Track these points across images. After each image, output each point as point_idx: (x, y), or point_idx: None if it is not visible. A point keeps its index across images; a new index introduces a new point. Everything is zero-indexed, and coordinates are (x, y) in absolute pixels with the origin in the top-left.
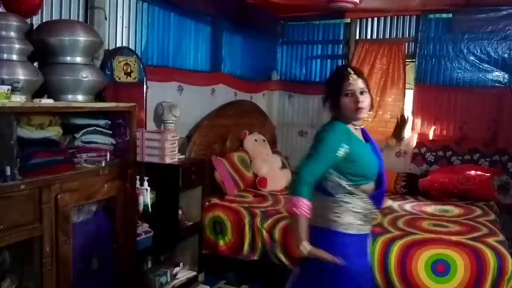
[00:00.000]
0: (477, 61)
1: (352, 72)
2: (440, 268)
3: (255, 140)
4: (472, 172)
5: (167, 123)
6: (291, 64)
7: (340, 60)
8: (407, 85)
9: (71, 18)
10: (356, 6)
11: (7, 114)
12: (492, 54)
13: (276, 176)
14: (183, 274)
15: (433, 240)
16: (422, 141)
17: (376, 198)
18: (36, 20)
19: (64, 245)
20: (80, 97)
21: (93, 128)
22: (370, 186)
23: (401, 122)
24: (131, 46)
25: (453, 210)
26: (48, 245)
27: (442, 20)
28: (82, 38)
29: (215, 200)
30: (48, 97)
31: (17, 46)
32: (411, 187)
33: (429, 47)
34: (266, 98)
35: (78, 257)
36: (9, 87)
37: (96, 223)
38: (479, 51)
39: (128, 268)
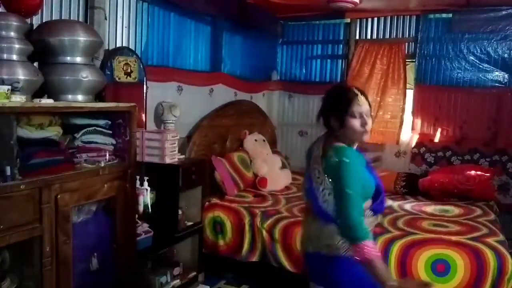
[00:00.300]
0: (477, 61)
1: (360, 94)
2: (440, 268)
3: (255, 140)
4: (472, 172)
5: (167, 123)
6: (291, 64)
7: (340, 60)
8: (407, 85)
9: (71, 18)
10: (356, 6)
11: (7, 114)
12: (492, 54)
13: (276, 176)
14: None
15: (433, 240)
16: (422, 141)
17: (378, 206)
18: (36, 20)
19: (64, 245)
20: (80, 97)
21: (93, 128)
22: (368, 202)
23: None
24: (131, 46)
25: (453, 210)
26: (48, 245)
27: (442, 20)
28: (82, 38)
29: (215, 200)
30: (48, 97)
31: (17, 46)
32: (411, 187)
33: (429, 47)
34: (266, 98)
35: (78, 257)
36: (9, 87)
37: (96, 223)
38: (479, 51)
39: (128, 268)
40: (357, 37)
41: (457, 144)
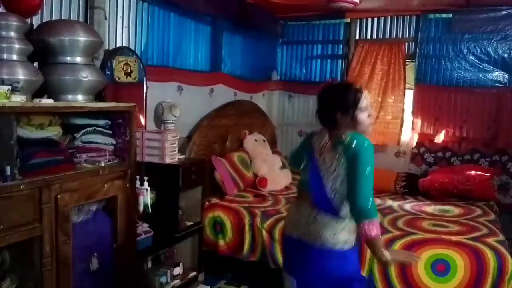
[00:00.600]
0: (477, 61)
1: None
2: (440, 268)
3: (255, 140)
4: (472, 172)
5: (167, 123)
6: (291, 64)
7: (340, 60)
8: (406, 85)
9: (71, 18)
10: (356, 6)
11: (7, 114)
12: (492, 54)
13: (276, 176)
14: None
15: (433, 240)
16: (422, 141)
17: None
18: (36, 20)
19: (64, 245)
20: (80, 97)
21: (93, 128)
22: None
23: None
24: (131, 46)
25: (453, 210)
26: (48, 245)
27: (442, 20)
28: (82, 38)
29: (215, 200)
30: (48, 97)
31: (17, 46)
32: (411, 187)
33: (429, 47)
34: (266, 98)
35: (78, 257)
36: (9, 87)
37: (96, 223)
38: (479, 51)
39: (128, 268)
40: (357, 37)
41: (457, 144)
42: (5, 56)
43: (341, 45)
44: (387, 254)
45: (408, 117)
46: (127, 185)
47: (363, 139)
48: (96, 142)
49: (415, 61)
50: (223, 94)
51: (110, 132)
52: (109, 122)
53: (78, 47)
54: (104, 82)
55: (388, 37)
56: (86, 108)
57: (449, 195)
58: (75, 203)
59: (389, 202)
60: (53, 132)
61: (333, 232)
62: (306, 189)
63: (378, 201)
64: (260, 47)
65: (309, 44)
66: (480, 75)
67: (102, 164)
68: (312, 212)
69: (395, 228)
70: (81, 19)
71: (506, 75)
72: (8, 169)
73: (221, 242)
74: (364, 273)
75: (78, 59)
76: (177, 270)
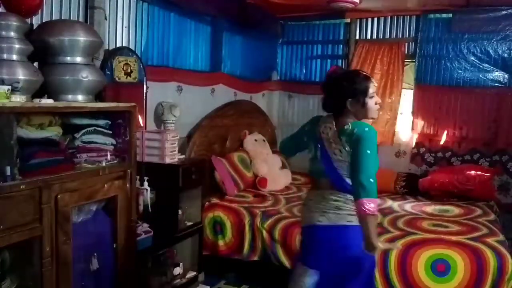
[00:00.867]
0: (477, 61)
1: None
2: (440, 268)
3: (255, 140)
4: (472, 172)
5: (167, 123)
6: (291, 64)
7: (340, 60)
8: (406, 85)
9: (71, 18)
10: (356, 6)
11: (7, 114)
12: (492, 54)
13: (276, 176)
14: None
15: (433, 240)
16: (422, 141)
17: None
18: (36, 20)
19: (64, 245)
20: (80, 97)
21: (93, 128)
22: None
23: None
24: (131, 46)
25: (453, 210)
26: (48, 245)
27: (442, 20)
28: (82, 38)
29: (215, 200)
30: (48, 97)
31: (17, 46)
32: (411, 187)
33: (429, 47)
34: (266, 98)
35: (78, 257)
36: (9, 87)
37: (96, 223)
38: (479, 51)
39: (128, 268)
40: (357, 37)
41: (457, 144)
42: (5, 56)
43: (341, 45)
44: (379, 241)
45: (404, 117)
46: (127, 185)
47: (364, 125)
48: (96, 142)
49: (415, 61)
50: (223, 94)
51: (110, 132)
52: (109, 122)
53: (78, 47)
54: (104, 82)
55: (388, 37)
56: (86, 108)
57: (449, 195)
58: (75, 203)
59: (389, 202)
60: (53, 132)
61: (352, 207)
62: (322, 176)
63: (378, 201)
64: (260, 47)
65: (309, 44)
66: (480, 75)
67: (103, 164)
68: (331, 194)
69: (395, 228)
70: (81, 19)
71: (506, 75)
72: (8, 169)
73: (221, 242)
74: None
75: (78, 59)
76: (177, 270)
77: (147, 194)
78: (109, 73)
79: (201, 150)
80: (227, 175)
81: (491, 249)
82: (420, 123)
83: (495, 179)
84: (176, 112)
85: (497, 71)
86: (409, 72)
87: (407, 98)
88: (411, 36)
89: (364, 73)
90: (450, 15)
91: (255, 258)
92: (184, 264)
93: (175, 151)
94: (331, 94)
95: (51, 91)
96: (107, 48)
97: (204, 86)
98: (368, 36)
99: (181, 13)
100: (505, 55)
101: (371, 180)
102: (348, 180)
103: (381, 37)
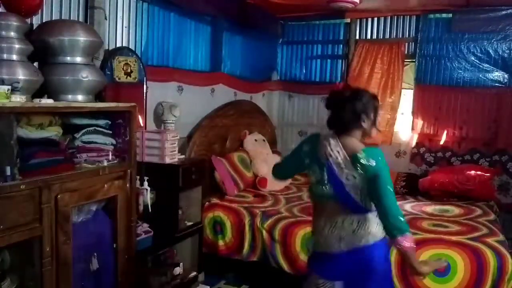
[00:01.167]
0: (477, 61)
1: None
2: (440, 268)
3: (255, 140)
4: (472, 172)
5: (167, 123)
6: (291, 64)
7: (340, 60)
8: (406, 85)
9: (71, 18)
10: (356, 6)
11: (7, 114)
12: (492, 54)
13: None
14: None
15: (433, 240)
16: (422, 141)
17: None
18: (36, 20)
19: (64, 245)
20: (80, 97)
21: (93, 128)
22: None
23: None
24: (131, 46)
25: (453, 210)
26: (48, 245)
27: (442, 20)
28: (82, 38)
29: (215, 200)
30: (48, 97)
31: (17, 46)
32: (411, 187)
33: (429, 47)
34: (266, 98)
35: (78, 257)
36: (9, 87)
37: (96, 223)
38: (479, 51)
39: (128, 268)
40: (357, 37)
41: (457, 144)
42: (5, 56)
43: (341, 45)
44: (423, 269)
45: (404, 116)
46: (127, 185)
47: (377, 153)
48: (96, 142)
49: (415, 61)
50: (223, 94)
51: (110, 132)
52: (109, 122)
53: (78, 47)
54: (104, 82)
55: (388, 37)
56: (86, 108)
57: (449, 195)
58: (75, 203)
59: None
60: (53, 132)
61: (375, 224)
62: (330, 199)
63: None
64: (260, 47)
65: (309, 44)
66: (480, 75)
67: (104, 164)
68: (354, 217)
69: None
70: (81, 19)
71: (506, 75)
72: (8, 169)
73: (221, 242)
74: None
75: (78, 59)
76: (177, 270)
77: (147, 194)
78: (109, 73)
79: (201, 150)
80: (227, 175)
81: (491, 249)
82: (420, 123)
83: (495, 179)
84: (176, 112)
85: (497, 71)
86: (409, 72)
87: (407, 98)
88: (411, 36)
89: (372, 93)
90: (450, 15)
91: (255, 259)
92: (184, 264)
93: (175, 151)
94: (344, 110)
95: (51, 91)
96: (107, 48)
97: (204, 86)
98: (368, 36)
99: (181, 13)
100: (505, 55)
101: (401, 218)
102: (363, 203)
103: (381, 37)
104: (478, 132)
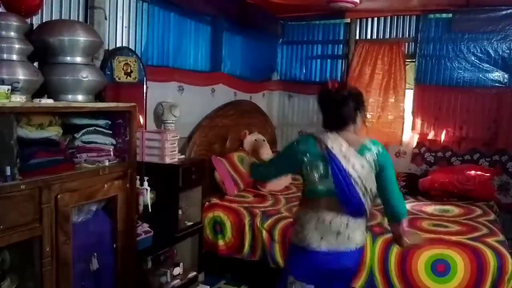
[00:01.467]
0: (477, 61)
1: None
2: (440, 268)
3: (255, 140)
4: (472, 172)
5: (167, 123)
6: (291, 64)
7: (340, 60)
8: (406, 85)
9: (71, 18)
10: (356, 6)
11: (7, 114)
12: (492, 54)
13: None
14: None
15: (433, 240)
16: (422, 141)
17: None
18: (36, 20)
19: (64, 245)
20: (80, 97)
21: (93, 128)
22: None
23: None
24: (131, 46)
25: (453, 210)
26: (48, 245)
27: (442, 20)
28: (82, 38)
29: (215, 200)
30: (48, 97)
31: (17, 46)
32: (411, 187)
33: (429, 47)
34: (266, 98)
35: (78, 257)
36: (9, 87)
37: (96, 223)
38: (479, 51)
39: (128, 268)
40: (357, 37)
41: (457, 144)
42: (5, 56)
43: (341, 45)
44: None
45: (408, 117)
46: (127, 185)
47: (381, 145)
48: (96, 142)
49: (415, 61)
50: (223, 94)
51: (110, 132)
52: (109, 122)
53: (78, 47)
54: (104, 82)
55: (388, 37)
56: (86, 108)
57: (449, 195)
58: (75, 203)
59: None
60: (53, 132)
61: (362, 231)
62: (329, 197)
63: (378, 201)
64: (260, 47)
65: (309, 44)
66: (480, 75)
67: (105, 164)
68: (342, 219)
69: None
70: (81, 19)
71: (506, 75)
72: (8, 169)
73: (221, 242)
74: (364, 273)
75: (78, 59)
76: (177, 270)
77: (147, 194)
78: (109, 73)
79: (201, 150)
80: (227, 175)
81: (491, 249)
82: (420, 123)
83: (495, 179)
84: (176, 112)
85: (497, 71)
86: (409, 72)
87: (407, 98)
88: (411, 36)
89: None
90: (450, 15)
91: (255, 259)
92: (184, 264)
93: (175, 151)
94: (346, 107)
95: (51, 91)
96: (107, 48)
97: (204, 86)
98: (368, 36)
99: (181, 13)
100: (505, 55)
101: (404, 203)
102: (364, 200)
103: (381, 37)
104: (478, 132)
